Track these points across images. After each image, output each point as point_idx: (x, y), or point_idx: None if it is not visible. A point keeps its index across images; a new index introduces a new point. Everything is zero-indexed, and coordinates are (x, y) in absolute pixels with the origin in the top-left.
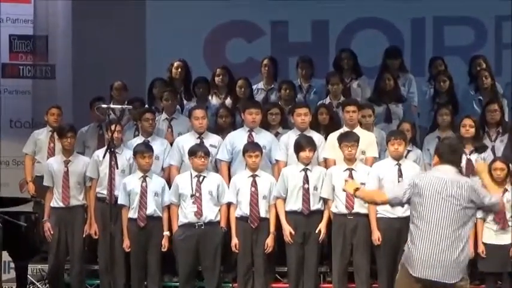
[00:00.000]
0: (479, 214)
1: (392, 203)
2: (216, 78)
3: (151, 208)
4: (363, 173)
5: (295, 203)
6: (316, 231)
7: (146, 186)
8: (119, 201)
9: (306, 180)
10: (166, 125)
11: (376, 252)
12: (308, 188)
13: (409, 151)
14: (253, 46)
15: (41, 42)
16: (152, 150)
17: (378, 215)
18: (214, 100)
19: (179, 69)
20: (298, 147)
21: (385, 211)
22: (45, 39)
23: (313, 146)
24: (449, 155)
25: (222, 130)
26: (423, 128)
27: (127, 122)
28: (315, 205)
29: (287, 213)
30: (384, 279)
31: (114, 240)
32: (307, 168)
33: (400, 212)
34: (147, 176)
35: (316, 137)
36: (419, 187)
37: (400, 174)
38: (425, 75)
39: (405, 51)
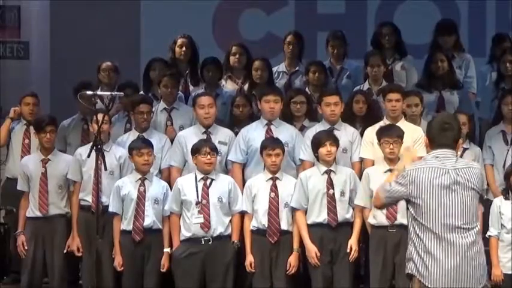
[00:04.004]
0: (494, 231)
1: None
2: (232, 58)
3: (149, 218)
4: None
5: (318, 214)
6: (348, 249)
7: (145, 191)
8: (110, 209)
9: (330, 184)
10: (165, 117)
11: None
12: (333, 194)
13: (465, 149)
14: (273, 19)
15: (11, 14)
16: (152, 146)
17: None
18: (229, 85)
19: (184, 48)
20: (316, 143)
21: None
22: (17, 10)
23: (334, 140)
24: (440, 136)
25: (238, 123)
26: (484, 120)
27: (116, 112)
28: (344, 215)
29: (310, 227)
30: None
31: (102, 258)
32: (331, 170)
33: None
34: (146, 179)
35: (350, 131)
36: (419, 185)
37: None
38: (486, 55)
39: (461, 26)
